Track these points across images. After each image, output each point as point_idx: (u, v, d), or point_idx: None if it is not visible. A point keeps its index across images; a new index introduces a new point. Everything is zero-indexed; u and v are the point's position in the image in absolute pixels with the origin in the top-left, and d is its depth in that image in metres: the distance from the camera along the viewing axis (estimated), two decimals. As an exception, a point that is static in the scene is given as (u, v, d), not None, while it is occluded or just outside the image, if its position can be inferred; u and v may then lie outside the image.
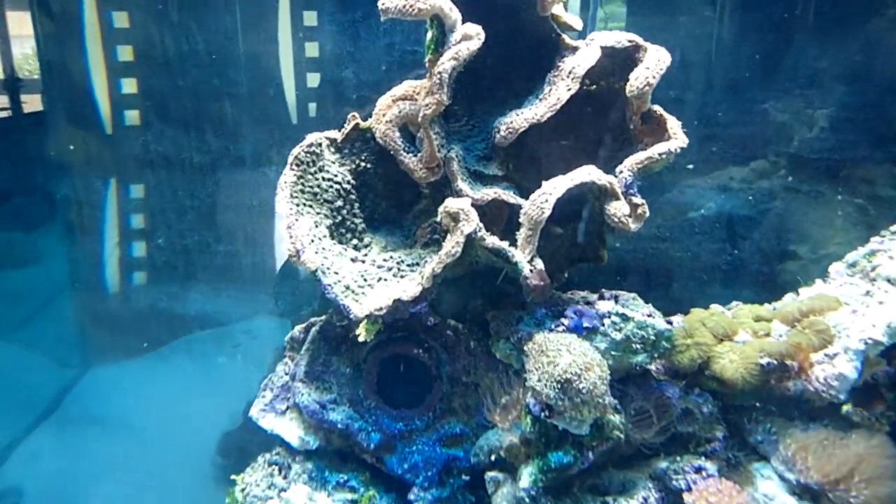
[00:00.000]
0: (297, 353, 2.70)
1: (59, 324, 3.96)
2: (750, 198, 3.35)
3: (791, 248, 3.36)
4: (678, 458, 2.28)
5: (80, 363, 3.90)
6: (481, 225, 2.25)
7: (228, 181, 3.64)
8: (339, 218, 2.67)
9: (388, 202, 2.85)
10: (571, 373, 2.04)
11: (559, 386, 2.03)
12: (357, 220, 2.73)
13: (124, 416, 3.74)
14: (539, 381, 2.06)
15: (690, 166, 3.34)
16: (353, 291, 2.41)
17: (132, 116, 3.64)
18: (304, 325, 2.80)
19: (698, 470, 2.22)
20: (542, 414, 2.09)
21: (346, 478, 2.49)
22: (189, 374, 3.86)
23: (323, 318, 2.68)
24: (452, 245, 2.25)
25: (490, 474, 2.33)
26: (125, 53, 3.58)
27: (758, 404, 2.29)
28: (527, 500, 2.08)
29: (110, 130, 3.63)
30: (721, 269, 3.33)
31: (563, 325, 2.30)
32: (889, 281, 2.39)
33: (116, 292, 3.79)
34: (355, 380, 2.63)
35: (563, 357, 2.07)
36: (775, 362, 2.17)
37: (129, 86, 3.63)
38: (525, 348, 2.20)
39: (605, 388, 2.08)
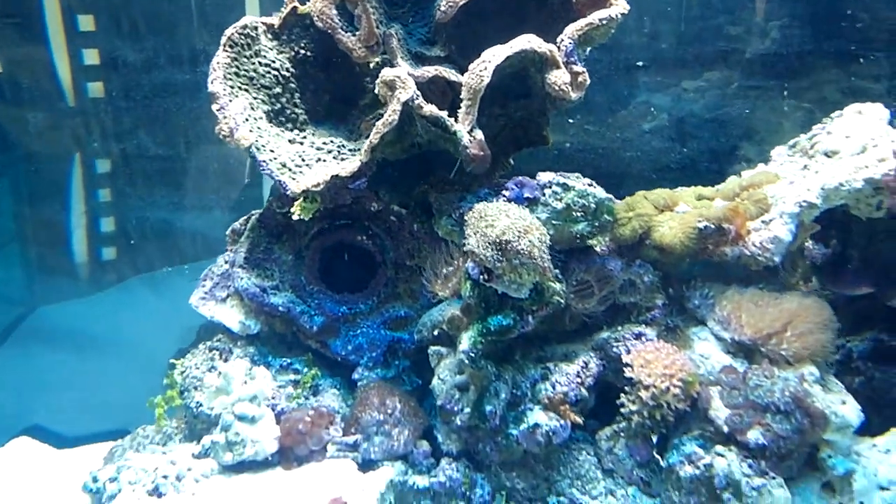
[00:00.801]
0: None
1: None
2: (702, 104, 3.38)
3: (740, 151, 3.42)
4: (619, 328, 2.29)
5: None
6: (419, 93, 2.21)
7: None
8: (279, 105, 2.59)
9: (331, 96, 2.78)
10: (510, 235, 2.02)
11: (497, 248, 2.01)
12: (298, 111, 2.66)
13: (75, 343, 3.70)
14: (477, 244, 2.04)
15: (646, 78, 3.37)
16: (289, 169, 2.35)
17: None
18: (244, 218, 2.73)
19: (638, 336, 2.24)
20: (482, 278, 2.07)
21: (289, 361, 2.46)
22: (143, 304, 3.82)
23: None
24: (389, 114, 2.21)
25: (433, 348, 2.31)
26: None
27: (695, 272, 2.30)
28: (466, 361, 2.07)
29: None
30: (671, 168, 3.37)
31: (504, 196, 2.27)
32: (826, 154, 2.41)
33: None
34: (297, 267, 2.58)
35: (501, 221, 2.05)
36: (713, 226, 2.18)
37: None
38: (465, 218, 2.17)
39: (544, 252, 2.07)
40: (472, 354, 2.07)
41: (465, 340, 2.10)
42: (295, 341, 2.58)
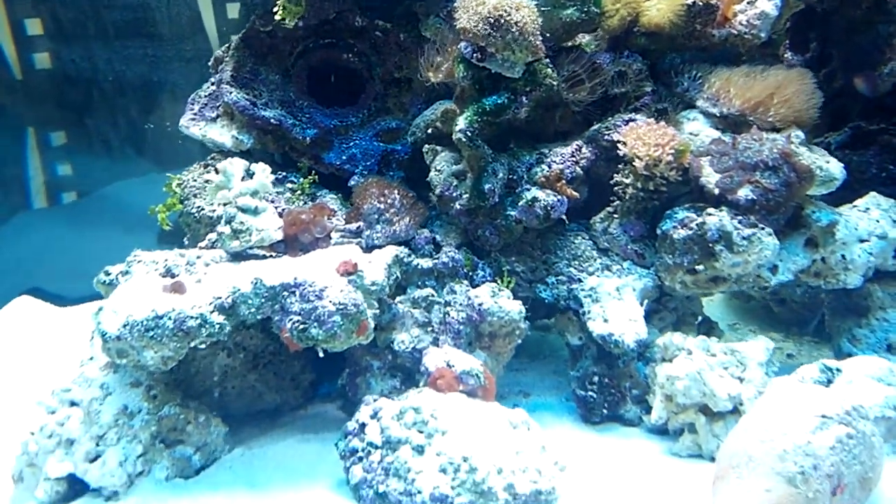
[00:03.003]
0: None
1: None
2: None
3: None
4: (609, 119, 2.33)
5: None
6: None
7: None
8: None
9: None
10: (501, 10, 2.03)
11: (489, 23, 2.02)
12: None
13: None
14: (469, 20, 2.04)
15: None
16: (274, -30, 2.31)
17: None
18: (226, 45, 2.69)
19: (628, 122, 2.28)
20: (475, 56, 2.08)
21: (284, 174, 2.47)
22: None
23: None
24: None
25: (428, 146, 2.34)
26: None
27: (683, 57, 2.33)
28: (464, 140, 2.10)
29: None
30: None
31: (492, -13, 2.26)
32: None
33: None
34: (285, 85, 2.57)
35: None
36: (701, 3, 2.21)
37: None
38: (455, 5, 2.16)
39: (536, 30, 2.08)
40: (469, 133, 2.10)
41: (462, 121, 2.12)
42: (287, 162, 2.59)
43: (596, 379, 2.15)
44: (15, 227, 4.02)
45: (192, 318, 1.75)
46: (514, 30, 2.03)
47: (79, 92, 3.99)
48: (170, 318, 1.74)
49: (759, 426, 1.63)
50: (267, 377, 2.24)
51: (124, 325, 1.77)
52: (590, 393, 2.14)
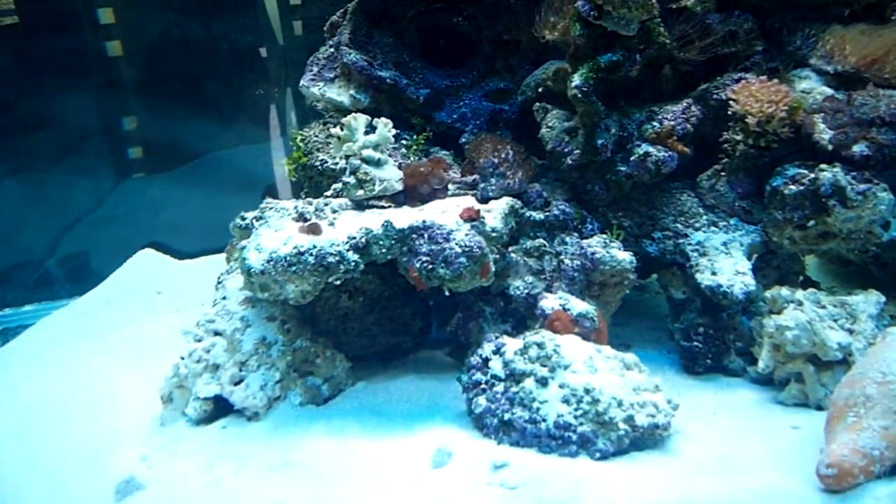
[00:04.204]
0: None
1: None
2: None
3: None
4: (719, 78, 2.36)
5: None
6: None
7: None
8: None
9: None
10: (619, -33, 2.08)
11: (608, -19, 2.08)
12: None
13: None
14: (586, -21, 2.11)
15: None
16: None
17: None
18: (342, 11, 2.83)
19: (738, 80, 2.31)
20: (591, 15, 2.15)
21: (398, 132, 2.59)
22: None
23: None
24: None
25: (538, 104, 2.43)
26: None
27: (795, 15, 2.34)
28: (579, 95, 2.18)
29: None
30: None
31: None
32: None
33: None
34: (398, 48, 2.69)
35: (610, -41, 2.11)
36: (816, -41, 2.21)
37: None
38: (570, -35, 2.23)
39: (652, -12, 2.14)
40: (585, 88, 2.18)
41: (577, 77, 2.20)
42: (399, 121, 2.71)
43: (701, 330, 2.21)
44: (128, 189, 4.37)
45: (331, 254, 1.90)
46: (630, -13, 2.09)
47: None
48: (311, 255, 1.90)
49: (876, 369, 1.68)
50: (382, 321, 2.39)
51: (268, 261, 1.93)
52: (695, 343, 2.20)
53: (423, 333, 2.50)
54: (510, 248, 2.25)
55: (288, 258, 1.90)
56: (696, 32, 2.37)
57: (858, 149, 2.06)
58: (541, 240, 2.23)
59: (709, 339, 2.21)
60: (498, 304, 2.24)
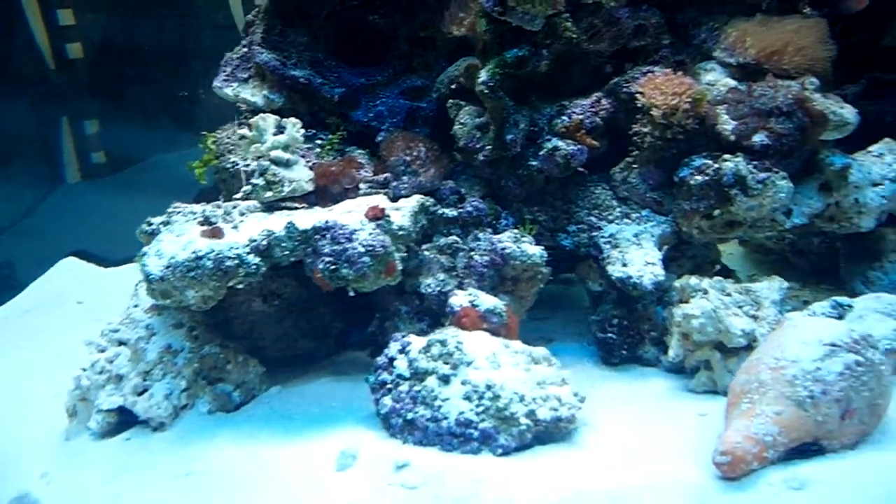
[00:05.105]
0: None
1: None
2: None
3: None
4: (628, 72, 2.38)
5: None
6: None
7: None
8: None
9: None
10: (521, -36, 2.09)
11: (510, -23, 2.08)
12: None
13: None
14: (490, -25, 2.11)
15: None
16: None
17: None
18: (256, 10, 2.78)
19: (647, 73, 2.33)
20: (496, 10, 2.15)
21: (313, 132, 2.56)
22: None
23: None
24: None
25: (451, 101, 2.42)
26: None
27: (701, 10, 2.38)
28: (486, 91, 2.18)
29: None
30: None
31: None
32: None
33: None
34: (313, 46, 2.66)
35: (512, -46, 2.11)
36: (716, -46, 2.25)
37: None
38: (477, -38, 2.22)
39: (556, -18, 2.14)
40: (491, 84, 2.18)
41: (484, 73, 2.20)
42: (316, 121, 2.68)
43: (615, 321, 2.23)
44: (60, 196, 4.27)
45: (230, 258, 1.87)
46: (532, -20, 2.09)
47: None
48: (209, 259, 1.86)
49: (770, 355, 1.70)
50: (300, 324, 2.36)
51: (167, 267, 1.89)
52: (609, 334, 2.22)
53: (345, 335, 2.48)
54: (424, 246, 2.24)
55: (186, 263, 1.86)
56: (605, 25, 2.39)
57: (758, 138, 2.10)
58: (454, 237, 2.23)
59: (623, 330, 2.23)
60: (413, 302, 2.23)
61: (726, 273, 2.48)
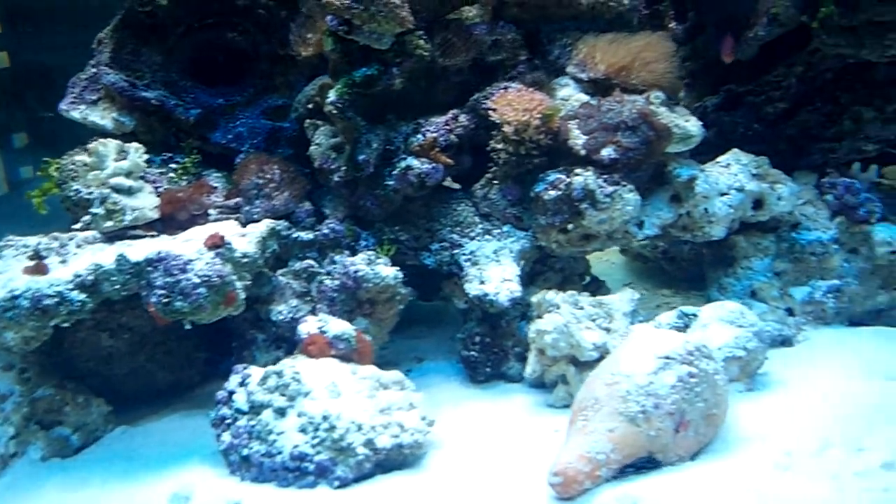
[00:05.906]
0: (104, 48, 2.58)
1: None
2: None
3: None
4: (487, 88, 2.37)
5: None
6: None
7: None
8: None
9: None
10: (364, -19, 2.05)
11: (354, -5, 2.04)
12: None
13: None
14: (335, -6, 2.06)
15: None
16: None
17: None
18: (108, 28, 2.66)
19: (504, 89, 2.33)
20: (341, 29, 2.11)
21: (170, 155, 2.47)
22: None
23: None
24: None
25: (308, 121, 2.37)
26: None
27: (555, 27, 2.39)
28: (334, 111, 2.13)
29: None
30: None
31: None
32: None
33: None
34: (168, 66, 2.56)
35: (357, -28, 2.08)
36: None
37: None
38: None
39: (402, 1, 2.12)
40: (340, 105, 2.13)
41: (332, 93, 2.16)
42: (174, 145, 2.58)
43: (478, 339, 2.21)
44: None
45: (49, 296, 1.76)
46: (378, 2, 2.06)
47: None
48: (26, 298, 1.75)
49: (606, 371, 1.70)
50: (157, 357, 2.25)
51: (-16, 307, 1.76)
52: (472, 352, 2.20)
53: (210, 365, 2.38)
54: (279, 272, 2.17)
55: (2, 304, 1.74)
56: (460, 40, 2.37)
57: (606, 152, 2.11)
58: (310, 260, 2.16)
59: (486, 347, 2.21)
60: (270, 329, 2.16)
61: (596, 283, 2.49)
